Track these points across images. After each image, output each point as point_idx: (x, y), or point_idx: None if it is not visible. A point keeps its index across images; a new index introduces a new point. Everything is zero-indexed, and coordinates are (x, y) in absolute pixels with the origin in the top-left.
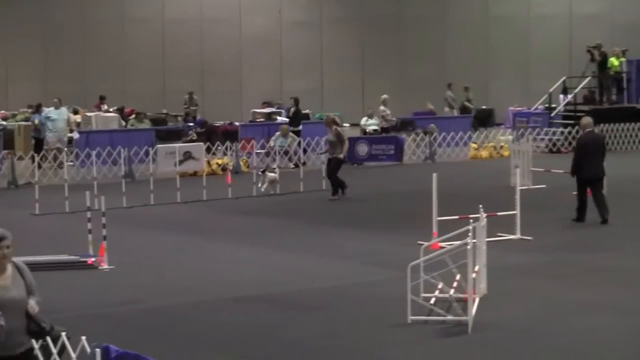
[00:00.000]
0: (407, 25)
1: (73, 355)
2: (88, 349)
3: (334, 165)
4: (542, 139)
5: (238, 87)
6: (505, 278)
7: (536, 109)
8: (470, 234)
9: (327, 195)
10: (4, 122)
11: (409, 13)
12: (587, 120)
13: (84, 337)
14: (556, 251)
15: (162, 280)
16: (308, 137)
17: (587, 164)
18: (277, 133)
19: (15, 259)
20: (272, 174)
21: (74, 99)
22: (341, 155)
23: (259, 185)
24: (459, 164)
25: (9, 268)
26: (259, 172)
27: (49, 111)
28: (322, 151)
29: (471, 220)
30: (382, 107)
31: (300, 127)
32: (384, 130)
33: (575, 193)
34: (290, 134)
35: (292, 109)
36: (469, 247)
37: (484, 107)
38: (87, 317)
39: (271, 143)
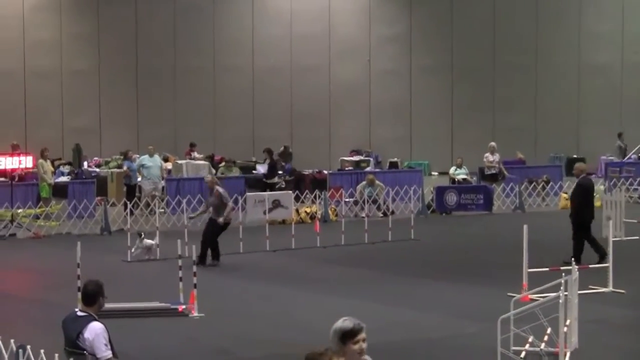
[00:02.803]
0: (497, 73)
1: None
2: None
3: (216, 229)
4: (636, 189)
5: (327, 135)
6: (597, 332)
7: (629, 158)
8: (562, 287)
9: (417, 245)
10: (97, 169)
11: (499, 61)
12: (583, 165)
13: None
14: None
15: (251, 329)
16: (397, 186)
17: (589, 208)
18: (364, 182)
19: (368, 357)
20: (150, 241)
21: (165, 145)
22: (221, 219)
23: (132, 250)
24: (549, 214)
25: None
26: (138, 235)
27: (143, 158)
28: (194, 215)
29: (563, 274)
30: (487, 154)
31: (276, 179)
32: (488, 177)
33: None
34: (378, 182)
35: (268, 161)
36: (560, 300)
37: (575, 156)
38: None
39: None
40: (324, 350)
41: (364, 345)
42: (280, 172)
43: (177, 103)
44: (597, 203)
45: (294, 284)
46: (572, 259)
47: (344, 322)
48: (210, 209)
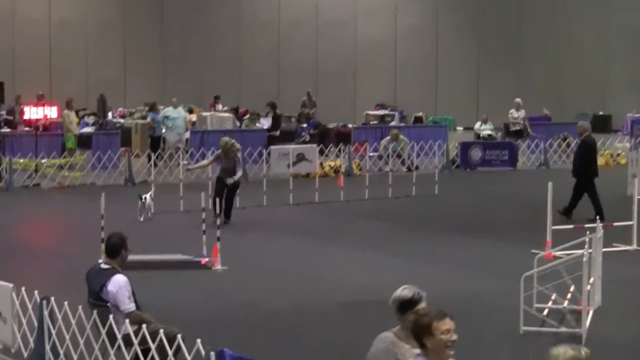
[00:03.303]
0: (524, 30)
1: (188, 357)
2: (203, 352)
3: (232, 189)
4: None
5: (352, 90)
6: (620, 290)
7: None
8: (586, 245)
9: (440, 200)
10: (121, 120)
11: (526, 18)
12: (586, 124)
13: (199, 340)
14: None
15: (274, 282)
16: (422, 141)
17: (594, 165)
18: (388, 137)
19: None
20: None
21: (189, 98)
22: (230, 181)
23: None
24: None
25: None
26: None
27: (167, 110)
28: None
29: (587, 232)
30: (512, 110)
31: (278, 133)
32: (513, 133)
33: None
34: (402, 137)
35: (270, 114)
36: (584, 258)
37: (601, 113)
38: (200, 317)
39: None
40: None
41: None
42: (304, 125)
43: (202, 55)
44: (622, 161)
45: (317, 237)
46: (597, 217)
47: (403, 291)
48: (217, 167)
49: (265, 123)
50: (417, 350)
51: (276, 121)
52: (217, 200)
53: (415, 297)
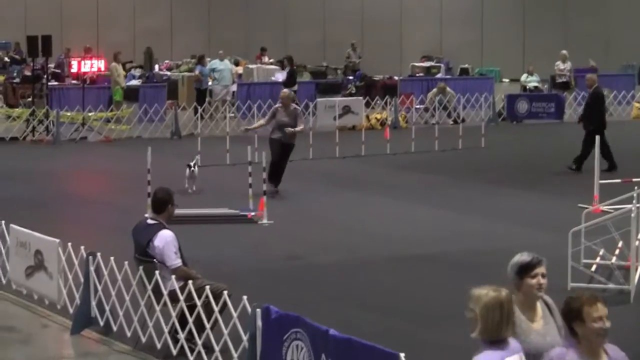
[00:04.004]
0: None
1: (234, 314)
2: (249, 309)
3: (288, 152)
4: None
5: (398, 40)
6: None
7: None
8: (634, 200)
9: (487, 153)
10: (168, 73)
11: None
12: (594, 76)
13: (245, 297)
14: None
15: (320, 236)
16: (468, 94)
17: (603, 116)
18: (435, 90)
19: (546, 296)
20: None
21: (235, 49)
22: (291, 129)
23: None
24: (621, 123)
25: (538, 306)
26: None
27: (213, 62)
28: (250, 127)
29: (636, 187)
30: (558, 62)
31: (296, 87)
32: (560, 85)
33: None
34: (449, 89)
35: (287, 69)
36: (632, 214)
37: None
38: (246, 271)
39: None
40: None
41: (543, 280)
42: (350, 77)
43: (248, 7)
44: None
45: (363, 190)
46: (609, 167)
47: (522, 256)
48: (274, 126)
49: (279, 77)
50: (532, 324)
51: (292, 76)
52: (272, 169)
53: (534, 261)
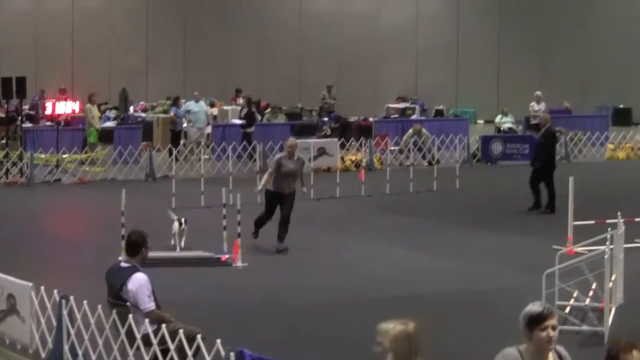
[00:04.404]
0: (546, 19)
1: (208, 358)
2: (223, 352)
3: (291, 202)
4: None
5: (373, 82)
6: None
7: None
8: (607, 241)
9: (462, 194)
10: (143, 114)
11: (549, 9)
12: (548, 116)
13: (218, 340)
14: None
15: (295, 278)
16: (442, 135)
17: (553, 156)
18: (410, 131)
19: (559, 347)
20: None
21: (211, 90)
22: (305, 188)
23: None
24: (595, 164)
25: (550, 357)
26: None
27: (188, 104)
28: (261, 187)
29: (609, 228)
30: (532, 103)
31: (253, 129)
32: (534, 126)
33: None
34: (424, 131)
35: (245, 110)
36: (606, 255)
37: (621, 106)
38: (221, 314)
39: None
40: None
41: (554, 333)
42: (325, 118)
43: (224, 48)
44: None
45: (338, 232)
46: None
47: (533, 306)
48: (277, 176)
49: (236, 121)
50: None
51: (250, 117)
52: (263, 219)
53: (545, 312)
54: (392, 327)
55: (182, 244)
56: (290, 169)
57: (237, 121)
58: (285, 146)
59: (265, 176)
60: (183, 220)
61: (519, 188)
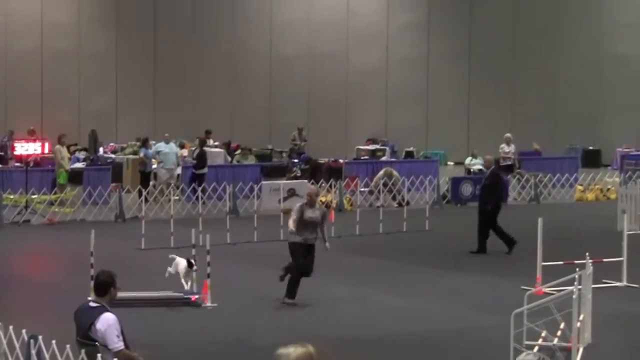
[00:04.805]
0: (516, 62)
1: None
2: None
3: (312, 252)
4: None
5: (344, 123)
6: (610, 327)
7: None
8: (575, 282)
9: (431, 235)
10: (112, 155)
11: (518, 50)
12: (492, 157)
13: None
14: None
15: (265, 319)
16: (412, 176)
17: (500, 197)
18: (381, 172)
19: None
20: (178, 261)
21: (181, 132)
22: (328, 244)
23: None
24: (564, 206)
25: None
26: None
27: (159, 145)
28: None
29: (577, 269)
30: (503, 145)
31: (205, 170)
32: (504, 168)
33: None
34: (395, 173)
35: (197, 151)
36: (574, 295)
37: (591, 147)
38: (190, 355)
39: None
40: None
41: None
42: (296, 160)
43: (195, 89)
44: (612, 195)
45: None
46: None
47: (527, 357)
48: (299, 227)
49: (188, 160)
50: None
51: (202, 158)
52: (298, 275)
53: None
54: (292, 350)
55: (194, 286)
56: (312, 218)
57: (189, 162)
58: (306, 194)
59: (291, 224)
60: (193, 261)
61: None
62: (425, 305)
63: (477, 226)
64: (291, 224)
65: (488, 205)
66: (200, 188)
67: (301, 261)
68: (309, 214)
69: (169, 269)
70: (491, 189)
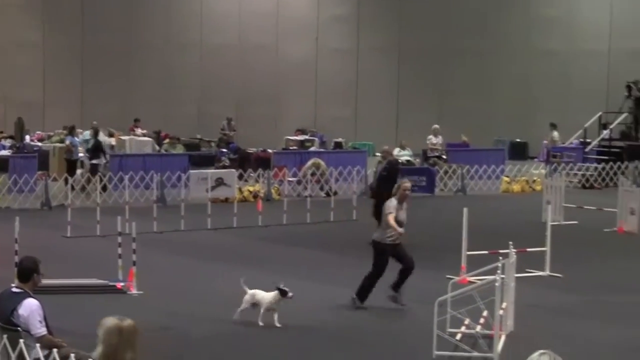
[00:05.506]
0: (445, 56)
1: None
2: None
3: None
4: (576, 174)
5: (273, 114)
6: (533, 315)
7: (571, 143)
8: (499, 270)
9: (358, 225)
10: (39, 143)
11: (447, 43)
12: (389, 148)
13: None
14: (585, 289)
15: (190, 307)
16: (340, 167)
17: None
18: (309, 162)
19: None
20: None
21: (111, 122)
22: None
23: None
24: (490, 197)
25: None
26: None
27: (86, 134)
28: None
29: (501, 258)
30: (430, 136)
31: (102, 160)
32: (432, 159)
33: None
34: (322, 163)
35: (92, 141)
36: (497, 283)
37: (518, 140)
38: None
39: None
40: None
41: None
42: (224, 149)
43: (125, 79)
44: (537, 187)
45: (233, 262)
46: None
47: (542, 357)
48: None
49: (81, 154)
50: None
51: (97, 148)
52: (374, 279)
53: None
54: (108, 320)
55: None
56: (403, 218)
57: (82, 154)
58: (399, 189)
59: (391, 220)
60: (283, 287)
61: (416, 219)
62: (350, 295)
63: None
64: (394, 225)
65: (384, 194)
66: (95, 178)
67: (386, 261)
68: (401, 214)
69: (244, 304)
70: (389, 180)
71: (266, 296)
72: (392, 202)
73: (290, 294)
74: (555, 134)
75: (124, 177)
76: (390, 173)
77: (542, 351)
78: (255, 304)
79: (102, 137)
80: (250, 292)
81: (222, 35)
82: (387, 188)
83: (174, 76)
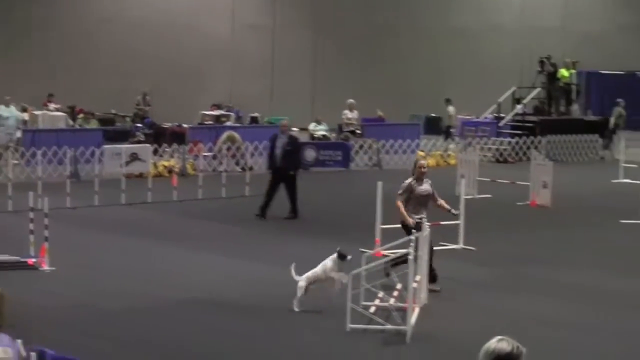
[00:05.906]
0: (362, 32)
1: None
2: (24, 352)
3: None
4: (490, 149)
5: (190, 89)
6: (447, 288)
7: (485, 118)
8: (412, 243)
9: (274, 200)
10: None
11: (362, 20)
12: (287, 121)
13: (19, 340)
14: (498, 261)
15: (104, 282)
16: (256, 142)
17: (295, 161)
18: (224, 136)
19: None
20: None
21: (24, 96)
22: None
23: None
24: (406, 171)
25: None
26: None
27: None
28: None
29: (413, 230)
30: (346, 111)
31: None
32: (347, 134)
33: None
34: (237, 136)
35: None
36: (410, 256)
37: (433, 115)
38: (27, 318)
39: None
40: None
41: None
42: (139, 124)
43: (41, 53)
44: (452, 161)
45: (149, 237)
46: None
47: (500, 343)
48: (411, 204)
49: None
50: None
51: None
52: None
53: (514, 352)
54: None
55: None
56: (426, 190)
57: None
58: (415, 167)
59: (400, 205)
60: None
61: (331, 194)
62: (262, 269)
63: (287, 192)
64: (404, 212)
65: (292, 169)
66: (7, 153)
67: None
68: (421, 189)
69: (299, 291)
70: (293, 153)
71: (327, 265)
72: (405, 183)
73: (349, 257)
74: (451, 108)
75: (36, 153)
76: (293, 147)
77: (500, 337)
78: (307, 289)
79: (15, 112)
80: (303, 276)
81: (140, 10)
82: (291, 163)
83: (91, 51)
